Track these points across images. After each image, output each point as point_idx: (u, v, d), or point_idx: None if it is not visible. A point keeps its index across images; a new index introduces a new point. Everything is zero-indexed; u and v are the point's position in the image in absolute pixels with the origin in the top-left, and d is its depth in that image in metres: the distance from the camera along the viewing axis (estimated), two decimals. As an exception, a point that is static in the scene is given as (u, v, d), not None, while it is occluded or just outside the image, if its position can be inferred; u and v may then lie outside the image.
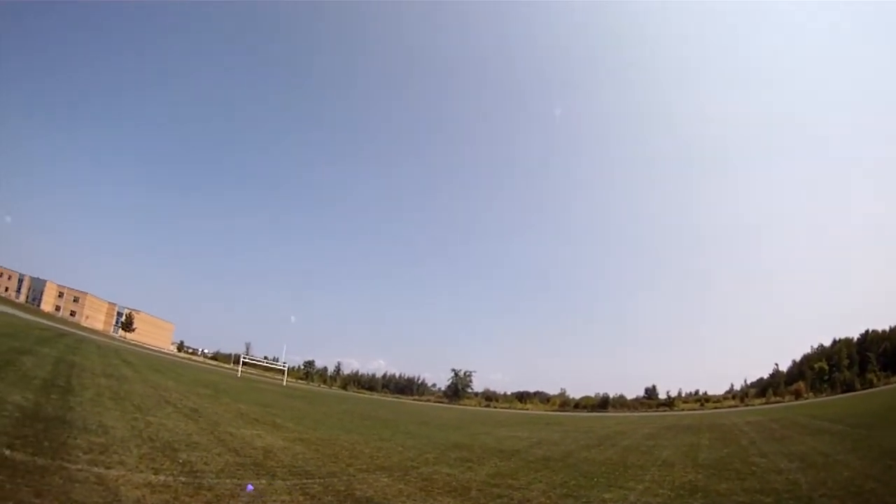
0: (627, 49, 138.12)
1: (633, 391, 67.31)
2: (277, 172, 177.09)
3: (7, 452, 5.44)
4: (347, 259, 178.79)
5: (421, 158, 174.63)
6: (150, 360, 36.60)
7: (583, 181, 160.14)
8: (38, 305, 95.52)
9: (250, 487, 6.28)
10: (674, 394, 64.61)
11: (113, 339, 77.67)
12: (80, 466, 5.73)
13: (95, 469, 5.79)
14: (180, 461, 7.03)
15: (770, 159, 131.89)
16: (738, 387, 66.88)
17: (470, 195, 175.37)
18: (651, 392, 64.76)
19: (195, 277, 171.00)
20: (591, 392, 68.22)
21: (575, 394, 72.07)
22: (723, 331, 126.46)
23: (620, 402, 61.80)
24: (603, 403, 61.98)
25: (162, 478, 6.04)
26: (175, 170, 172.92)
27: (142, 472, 6.18)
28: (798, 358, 66.11)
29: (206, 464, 7.22)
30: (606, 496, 7.61)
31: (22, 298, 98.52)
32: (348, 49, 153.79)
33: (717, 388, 66.60)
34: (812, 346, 66.53)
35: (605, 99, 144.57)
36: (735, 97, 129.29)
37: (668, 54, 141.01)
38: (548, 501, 7.25)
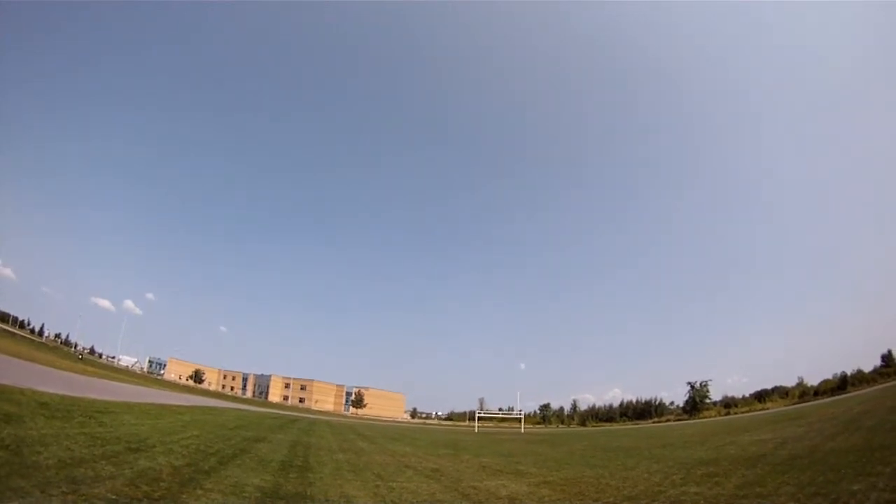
0: None
1: (870, 362, 58.28)
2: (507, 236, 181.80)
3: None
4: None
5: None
6: (385, 431, 37.84)
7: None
8: (266, 398, 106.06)
9: None
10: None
11: (345, 417, 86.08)
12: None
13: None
14: (425, 519, 6.56)
15: None
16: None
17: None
18: (887, 358, 57.24)
19: (422, 345, 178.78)
20: (829, 373, 60.67)
21: (812, 379, 63.23)
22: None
23: (859, 378, 55.24)
24: (842, 384, 56.00)
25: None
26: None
27: (387, 533, 5.43)
28: None
29: (450, 519, 6.72)
30: (855, 487, 7.16)
31: (249, 394, 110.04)
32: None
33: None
34: None
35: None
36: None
37: None
38: None
